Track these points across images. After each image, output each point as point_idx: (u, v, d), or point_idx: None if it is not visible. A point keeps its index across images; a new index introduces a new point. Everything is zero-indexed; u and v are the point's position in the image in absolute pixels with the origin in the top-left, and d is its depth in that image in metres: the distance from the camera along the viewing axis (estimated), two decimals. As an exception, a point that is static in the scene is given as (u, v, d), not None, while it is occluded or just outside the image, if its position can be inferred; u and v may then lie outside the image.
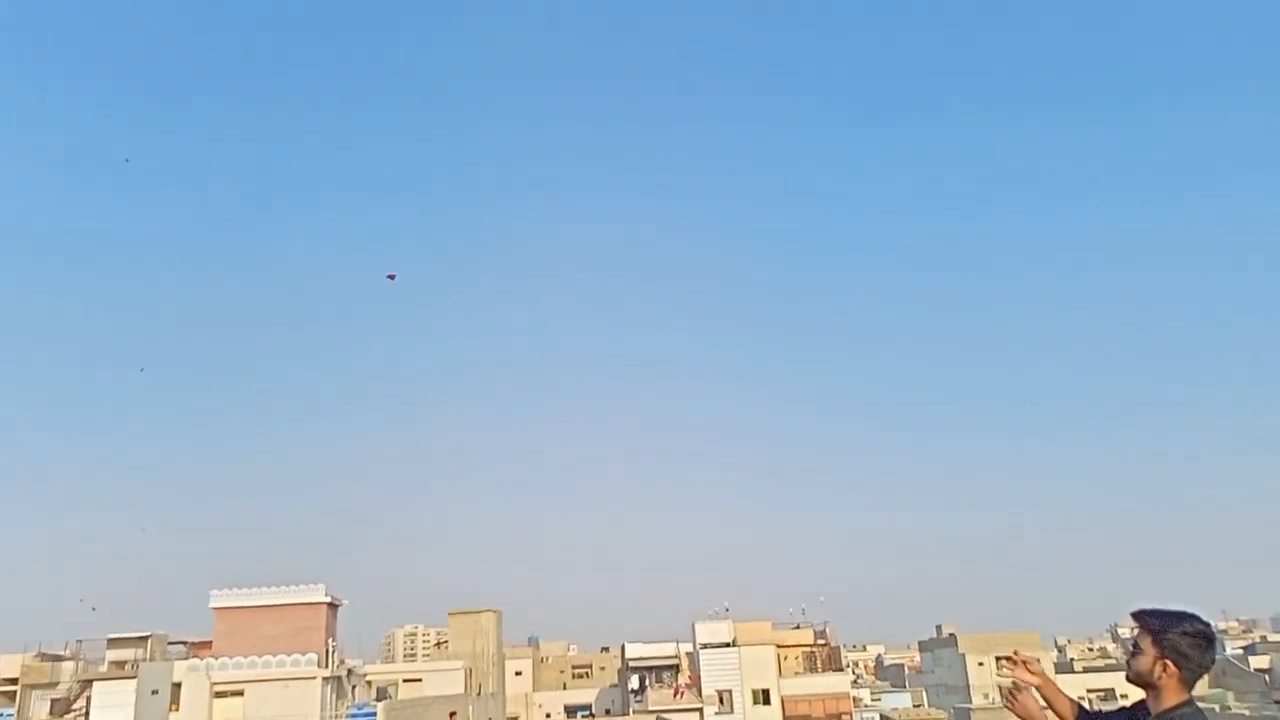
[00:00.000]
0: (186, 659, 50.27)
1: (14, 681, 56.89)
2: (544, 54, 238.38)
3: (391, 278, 48.68)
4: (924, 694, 76.59)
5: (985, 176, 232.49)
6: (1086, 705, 3.59)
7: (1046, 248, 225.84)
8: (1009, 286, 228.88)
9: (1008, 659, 3.63)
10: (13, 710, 55.88)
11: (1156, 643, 3.03)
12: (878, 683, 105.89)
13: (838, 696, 59.36)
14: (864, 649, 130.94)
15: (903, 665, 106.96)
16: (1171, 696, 3.04)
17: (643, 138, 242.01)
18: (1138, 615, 3.11)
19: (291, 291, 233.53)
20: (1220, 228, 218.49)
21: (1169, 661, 3.01)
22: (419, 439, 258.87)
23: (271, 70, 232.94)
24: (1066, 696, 3.54)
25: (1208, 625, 3.01)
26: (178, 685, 44.77)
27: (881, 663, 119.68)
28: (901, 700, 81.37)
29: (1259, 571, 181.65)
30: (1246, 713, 50.81)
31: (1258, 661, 68.83)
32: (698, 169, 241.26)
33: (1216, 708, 52.56)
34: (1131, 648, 3.13)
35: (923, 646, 78.43)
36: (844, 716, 59.10)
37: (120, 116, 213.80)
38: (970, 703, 54.00)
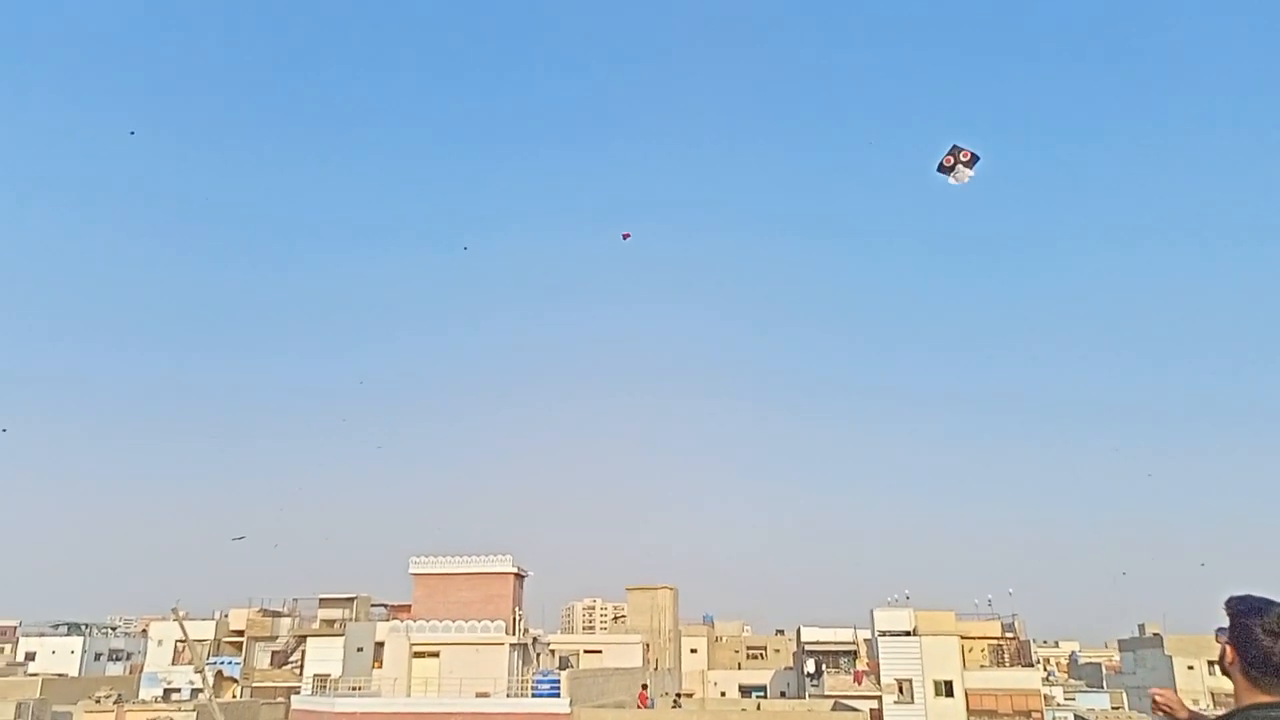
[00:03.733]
0: (388, 620, 54.16)
1: (240, 634, 63.20)
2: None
3: (626, 237, 49.15)
4: (1124, 695, 71.83)
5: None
6: None
7: None
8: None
9: (1153, 699, 3.35)
10: (239, 659, 62.12)
11: (1230, 627, 2.76)
12: (1072, 681, 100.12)
13: (1027, 693, 56.69)
14: (1056, 645, 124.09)
15: (1100, 664, 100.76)
16: (1244, 694, 2.71)
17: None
18: (1230, 599, 2.84)
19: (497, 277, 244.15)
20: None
21: (1230, 648, 2.73)
22: (606, 421, 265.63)
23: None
24: None
25: None
26: (380, 644, 48.35)
27: (1076, 660, 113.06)
28: (1099, 701, 76.60)
29: None
30: None
31: None
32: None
33: None
34: (1220, 633, 2.84)
35: (1123, 646, 73.61)
36: (1034, 713, 56.39)
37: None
38: (1177, 708, 50.31)
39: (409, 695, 39.65)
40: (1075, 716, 64.53)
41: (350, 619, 59.57)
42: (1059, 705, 74.19)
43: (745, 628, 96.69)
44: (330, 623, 60.03)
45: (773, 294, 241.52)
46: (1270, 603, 2.74)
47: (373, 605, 63.46)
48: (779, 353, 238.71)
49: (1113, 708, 68.72)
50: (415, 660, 41.61)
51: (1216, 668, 2.98)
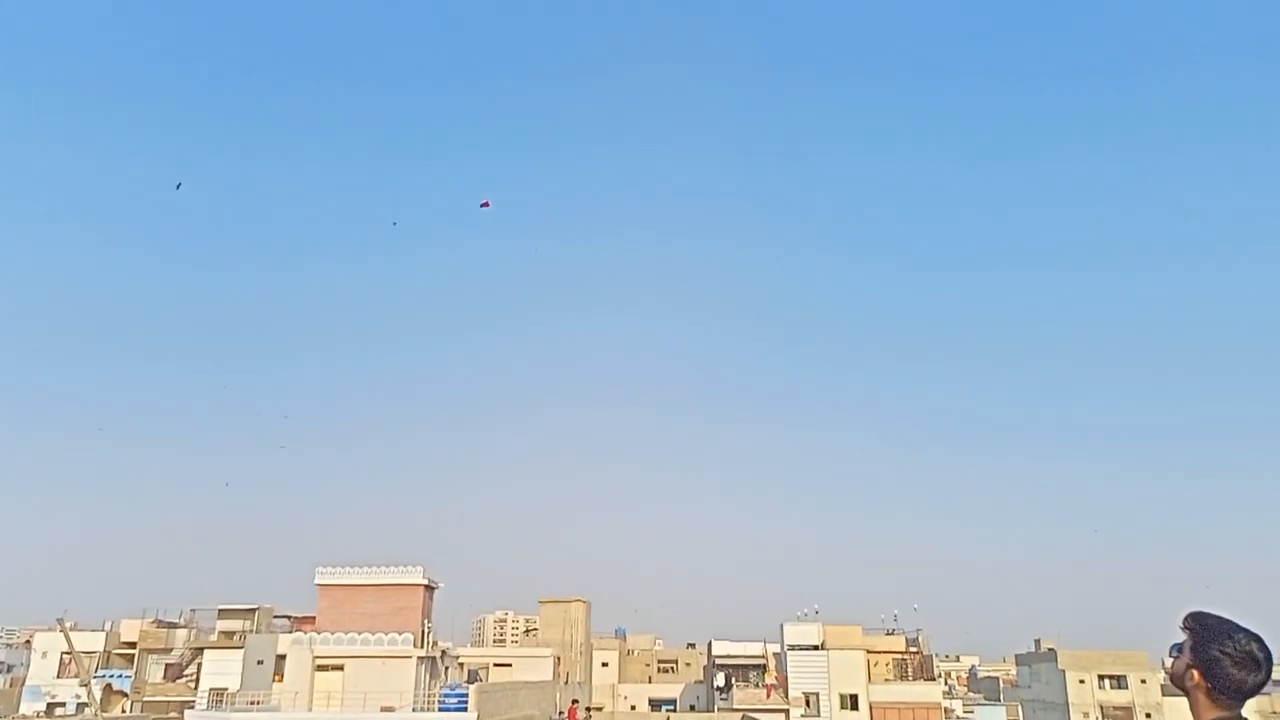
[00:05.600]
0: (291, 632, 52.55)
1: (132, 645, 60.48)
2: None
3: (485, 205, 48.21)
4: (1019, 709, 74.21)
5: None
6: None
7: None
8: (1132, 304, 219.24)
9: None
10: (130, 672, 59.42)
11: (1194, 648, 2.87)
12: (971, 695, 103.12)
13: (928, 706, 58.08)
14: (957, 659, 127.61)
15: (998, 678, 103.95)
16: (1203, 710, 2.86)
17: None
18: (1189, 615, 2.96)
19: (399, 285, 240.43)
20: None
21: (1197, 671, 2.84)
22: (522, 434, 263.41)
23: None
24: None
25: (1261, 648, 2.79)
26: (282, 657, 46.80)
27: (975, 675, 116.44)
28: (995, 714, 79.08)
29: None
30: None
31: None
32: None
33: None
34: (1175, 650, 3.00)
35: (1019, 660, 75.96)
36: (935, 727, 57.81)
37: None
38: (1069, 721, 52.20)
39: (310, 710, 38.52)
40: (973, 729, 66.44)
41: (251, 630, 57.59)
42: (959, 718, 76.21)
43: (657, 641, 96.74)
44: (230, 634, 57.89)
45: (691, 300, 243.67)
46: (1233, 627, 2.86)
47: (275, 617, 61.47)
48: (693, 363, 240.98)
49: (1009, 720, 70.97)
50: (319, 674, 40.47)
51: (1109, 682, 3.11)
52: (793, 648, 59.65)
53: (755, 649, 67.54)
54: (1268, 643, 2.85)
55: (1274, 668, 2.91)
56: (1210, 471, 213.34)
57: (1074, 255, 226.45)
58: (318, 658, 40.60)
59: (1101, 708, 59.71)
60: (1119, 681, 61.06)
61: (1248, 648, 2.80)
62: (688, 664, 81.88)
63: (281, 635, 53.18)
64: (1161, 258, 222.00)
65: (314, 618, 43.89)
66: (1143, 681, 62.62)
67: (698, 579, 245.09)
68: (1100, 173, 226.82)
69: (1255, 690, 2.85)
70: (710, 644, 69.76)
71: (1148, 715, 59.16)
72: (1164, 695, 63.81)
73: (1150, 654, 67.40)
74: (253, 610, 60.21)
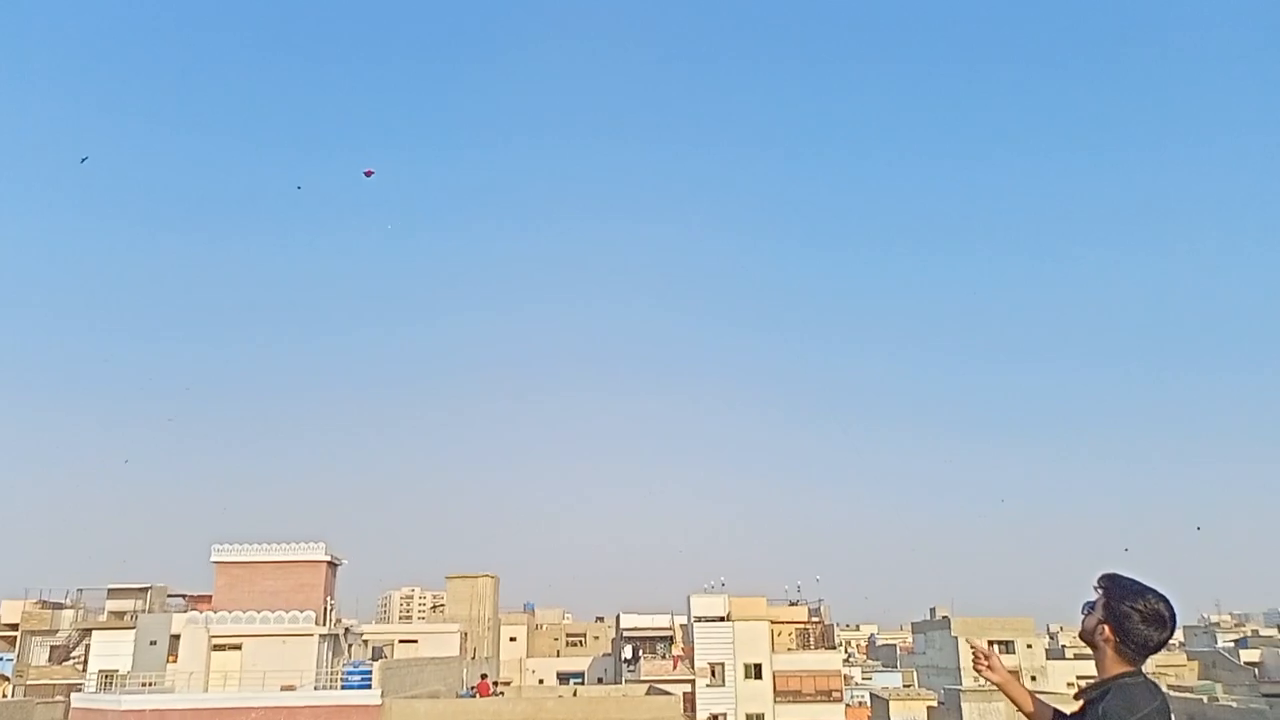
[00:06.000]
0: (186, 611, 50.80)
1: (14, 627, 57.65)
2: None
3: (369, 174, 49.19)
4: (915, 674, 77.15)
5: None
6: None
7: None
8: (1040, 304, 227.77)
9: (974, 651, 3.63)
10: (12, 655, 56.66)
11: (1105, 605, 3.05)
12: (869, 662, 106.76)
13: (829, 673, 59.82)
14: (857, 629, 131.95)
15: (895, 646, 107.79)
16: (1112, 665, 3.04)
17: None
18: (1102, 577, 3.14)
19: (309, 266, 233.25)
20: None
21: (1108, 626, 3.02)
22: (421, 402, 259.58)
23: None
24: (1034, 698, 3.53)
25: (1167, 607, 2.98)
26: (176, 637, 45.18)
27: (874, 642, 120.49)
28: (892, 680, 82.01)
29: (1254, 567, 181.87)
30: (1234, 705, 51.13)
31: (1248, 655, 69.22)
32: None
33: (1205, 699, 52.89)
34: (1087, 608, 3.16)
35: (915, 628, 78.89)
36: (834, 693, 59.58)
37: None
38: (961, 684, 54.30)
39: (206, 690, 37.39)
40: (871, 695, 68.82)
41: (144, 610, 55.51)
42: (857, 684, 78.86)
43: (566, 615, 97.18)
44: (120, 614, 55.76)
45: (605, 273, 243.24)
46: (1143, 588, 3.03)
47: (169, 596, 59.37)
48: (598, 333, 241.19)
49: (904, 685, 73.71)
50: (215, 653, 39.25)
51: (999, 647, 3.20)
52: (699, 619, 60.61)
53: (663, 621, 68.41)
54: (1173, 604, 3.02)
55: (1176, 628, 3.08)
56: (1117, 452, 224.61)
57: (993, 235, 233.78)
58: (214, 637, 39.38)
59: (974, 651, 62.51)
60: (1007, 646, 64.10)
61: (1156, 606, 2.98)
62: (596, 637, 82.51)
63: (176, 615, 51.35)
64: (1080, 239, 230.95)
65: (210, 597, 42.54)
66: (1029, 646, 65.88)
67: (606, 554, 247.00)
68: (1002, 153, 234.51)
69: (1159, 647, 3.03)
70: (618, 617, 70.32)
71: (1033, 677, 62.32)
72: (1048, 659, 67.28)
73: (1036, 621, 70.86)
74: (145, 589, 58.05)
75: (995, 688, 3.51)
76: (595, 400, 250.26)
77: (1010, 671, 3.52)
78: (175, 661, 43.21)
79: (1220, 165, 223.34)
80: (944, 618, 69.73)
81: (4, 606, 59.40)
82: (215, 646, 39.34)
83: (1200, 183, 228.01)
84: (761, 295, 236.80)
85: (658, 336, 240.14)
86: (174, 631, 47.43)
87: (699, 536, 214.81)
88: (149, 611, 54.80)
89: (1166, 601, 3.01)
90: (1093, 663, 3.22)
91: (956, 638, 65.32)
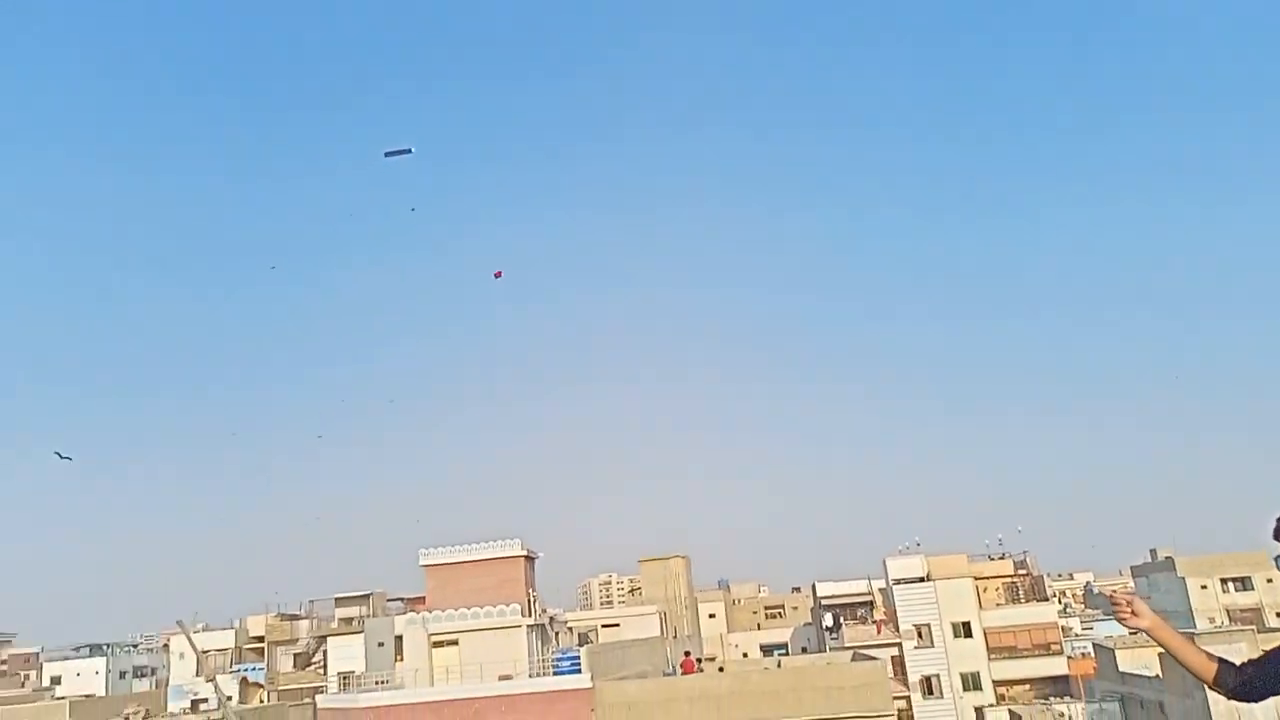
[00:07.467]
0: (404, 613, 54.32)
1: (261, 639, 63.48)
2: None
3: (498, 275, 50.26)
4: (1141, 621, 72.40)
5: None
6: None
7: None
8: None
9: (1113, 600, 3.28)
10: (263, 664, 62.43)
11: None
12: (1088, 611, 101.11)
13: (1044, 626, 57.15)
14: (1070, 577, 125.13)
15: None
16: None
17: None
18: None
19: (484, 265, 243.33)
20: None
21: None
22: (607, 400, 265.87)
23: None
24: (1193, 643, 3.14)
25: None
26: (399, 637, 48.46)
27: (1090, 590, 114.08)
28: (1116, 628, 77.31)
29: None
30: None
31: None
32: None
33: None
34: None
35: (1136, 572, 73.95)
36: (1053, 645, 56.88)
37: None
38: (1195, 627, 50.49)
39: (432, 684, 39.79)
40: (1094, 645, 65.08)
41: (368, 615, 59.82)
42: (1077, 635, 74.81)
43: (761, 588, 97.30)
44: (348, 621, 60.27)
45: (774, 264, 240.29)
46: None
47: (389, 600, 63.68)
48: (774, 318, 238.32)
49: (1131, 633, 69.29)
50: (435, 650, 41.70)
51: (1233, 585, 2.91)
52: (898, 581, 59.19)
53: (860, 587, 67.29)
54: None
55: None
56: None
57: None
58: (432, 635, 41.82)
59: (1228, 611, 57.85)
60: (1244, 584, 59.01)
61: None
62: (794, 608, 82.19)
63: (396, 617, 55.04)
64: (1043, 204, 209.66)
65: (424, 598, 45.21)
66: (1269, 581, 60.38)
67: (795, 525, 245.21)
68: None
69: None
70: (814, 586, 69.73)
71: (1278, 614, 57.10)
72: (1291, 596, 61.54)
73: (1269, 553, 64.78)
74: (367, 596, 62.48)
75: (1147, 635, 3.15)
76: (764, 385, 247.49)
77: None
78: (402, 660, 46.33)
79: None
80: (1167, 558, 65.01)
81: (250, 622, 65.48)
82: (434, 644, 41.78)
83: None
84: (908, 272, 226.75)
85: (826, 320, 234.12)
86: (397, 633, 50.90)
87: (889, 500, 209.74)
88: (373, 616, 59.00)
89: None
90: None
91: (1184, 579, 60.76)
